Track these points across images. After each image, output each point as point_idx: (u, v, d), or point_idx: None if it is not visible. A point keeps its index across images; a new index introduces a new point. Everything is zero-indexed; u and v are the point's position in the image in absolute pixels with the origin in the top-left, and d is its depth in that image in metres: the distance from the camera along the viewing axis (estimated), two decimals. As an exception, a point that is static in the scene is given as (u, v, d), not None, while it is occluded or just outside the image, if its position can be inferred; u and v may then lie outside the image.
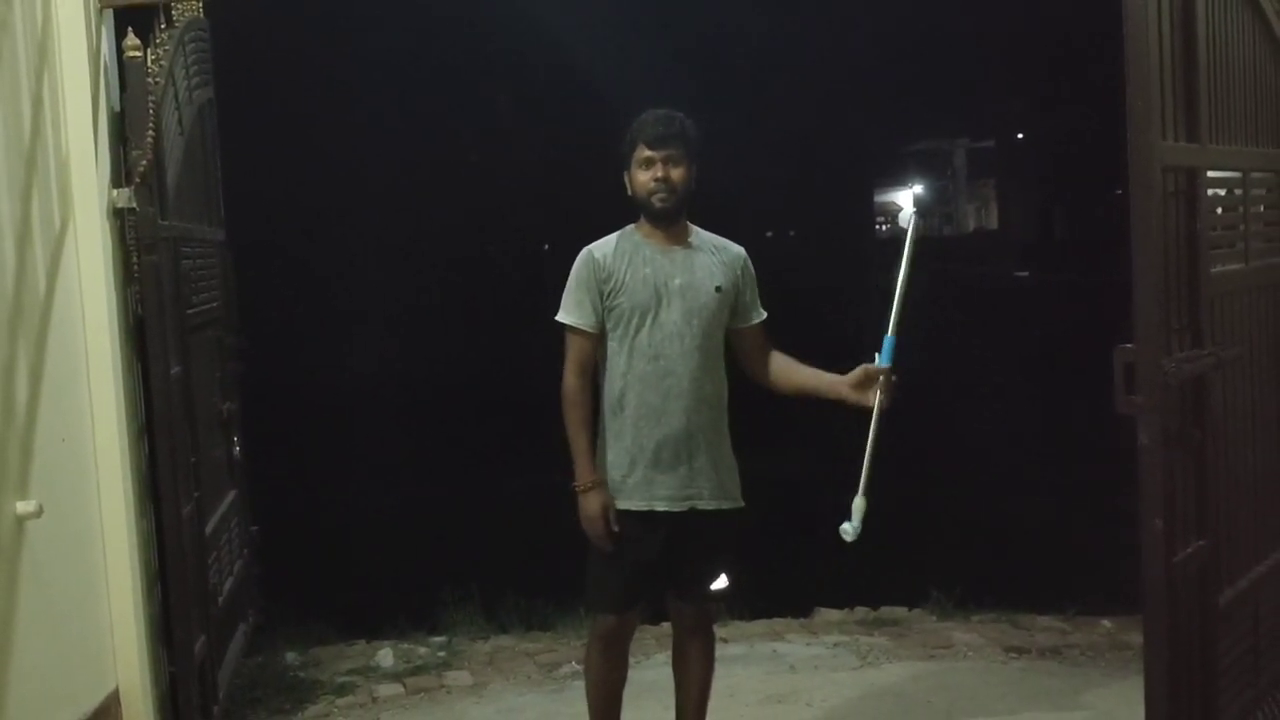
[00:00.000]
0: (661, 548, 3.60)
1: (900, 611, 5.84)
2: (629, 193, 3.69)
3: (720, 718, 4.50)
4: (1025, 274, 28.35)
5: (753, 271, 3.76)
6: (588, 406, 3.66)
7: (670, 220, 3.65)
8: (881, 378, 3.49)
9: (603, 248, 3.69)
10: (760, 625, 5.64)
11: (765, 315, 3.78)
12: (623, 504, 3.60)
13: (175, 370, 4.03)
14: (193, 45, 4.57)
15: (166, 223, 4.05)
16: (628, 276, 3.62)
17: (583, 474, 3.60)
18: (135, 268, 3.84)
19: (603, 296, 3.64)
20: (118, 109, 3.89)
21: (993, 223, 40.46)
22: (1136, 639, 5.15)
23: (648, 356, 3.60)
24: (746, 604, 5.89)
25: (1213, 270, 3.08)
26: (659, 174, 3.59)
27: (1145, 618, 2.95)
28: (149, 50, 3.92)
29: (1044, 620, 5.66)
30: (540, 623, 5.88)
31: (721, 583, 3.70)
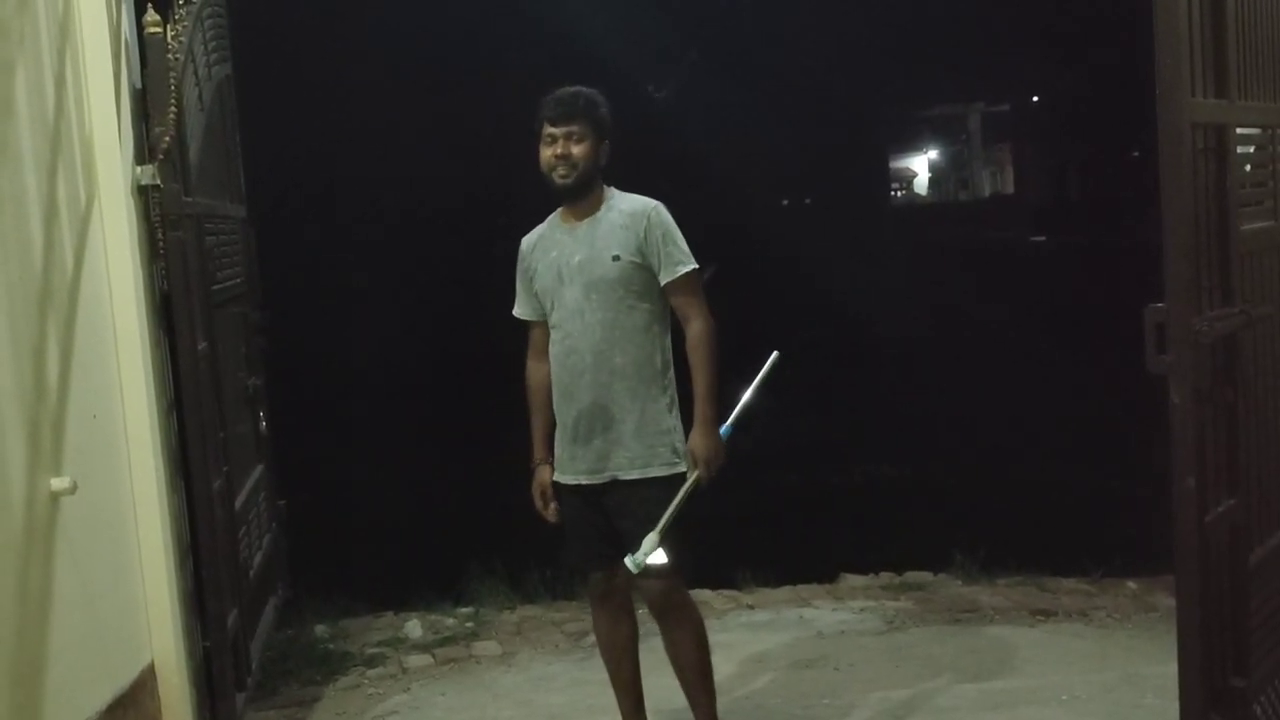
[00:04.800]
0: (598, 514, 3.70)
1: (925, 576, 5.85)
2: (541, 167, 3.71)
3: (749, 683, 4.55)
4: (1042, 238, 28.19)
5: (662, 225, 3.62)
6: (540, 389, 3.81)
7: (575, 196, 3.66)
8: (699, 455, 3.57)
9: (529, 237, 3.81)
10: (786, 592, 5.67)
11: (676, 275, 3.60)
12: (560, 478, 3.74)
13: (202, 346, 4.06)
14: (210, 21, 4.58)
15: (190, 199, 4.06)
16: (539, 263, 3.72)
17: (534, 452, 3.82)
18: (160, 244, 3.85)
19: (528, 279, 3.77)
20: (139, 86, 3.89)
21: (1008, 187, 40.22)
22: (1162, 600, 5.16)
23: (558, 337, 3.69)
24: (772, 571, 5.92)
25: (1242, 228, 3.06)
26: (559, 150, 3.61)
27: (1177, 577, 2.95)
28: (168, 26, 3.92)
29: (1069, 583, 5.67)
30: (566, 592, 5.91)
31: (658, 557, 3.56)
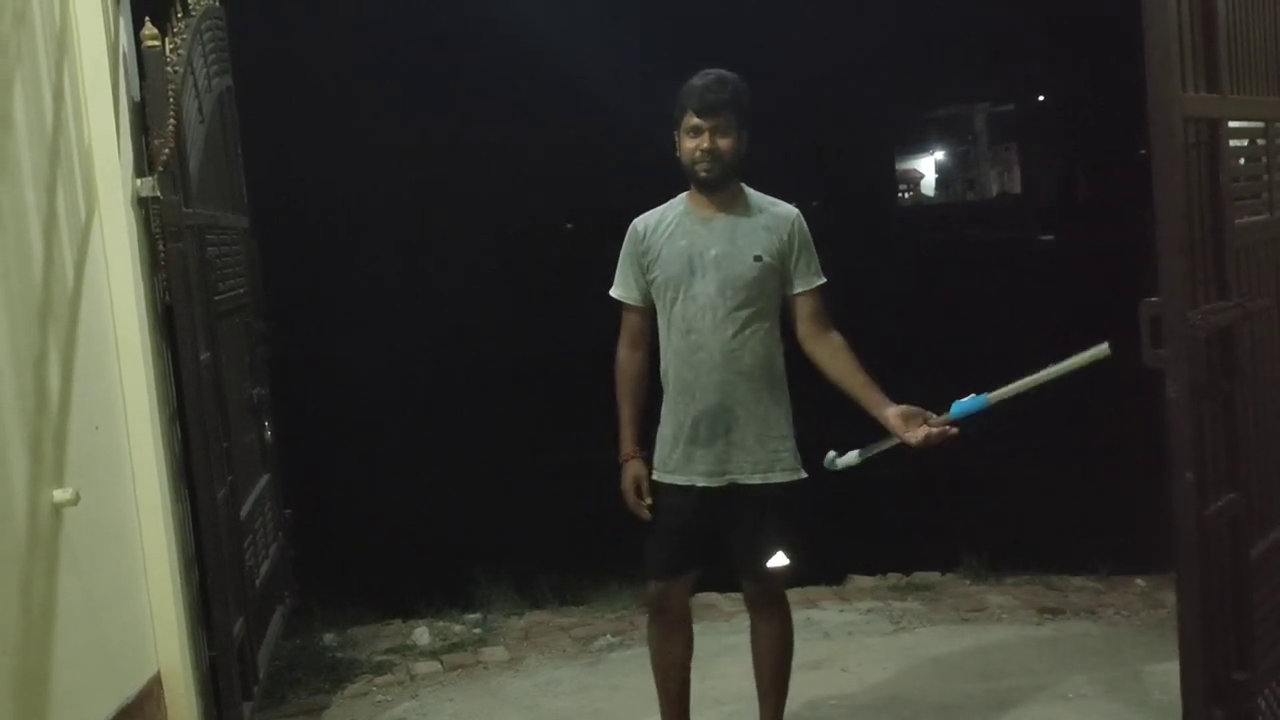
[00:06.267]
0: (704, 520, 3.58)
1: (933, 576, 5.84)
2: (677, 154, 3.59)
3: (753, 685, 4.54)
4: (1050, 237, 28.15)
5: (804, 234, 3.58)
6: (634, 379, 3.67)
7: (715, 188, 3.55)
8: (934, 426, 3.40)
9: (646, 219, 3.65)
10: (793, 593, 5.58)
11: (814, 285, 3.57)
12: (667, 478, 3.61)
13: (204, 356, 4.07)
14: (210, 34, 4.60)
15: (191, 210, 4.08)
16: (664, 249, 3.57)
17: (622, 445, 3.66)
18: (161, 256, 3.87)
19: (643, 270, 3.62)
20: (138, 99, 3.92)
21: (1016, 187, 40.18)
22: (1171, 597, 5.12)
23: (681, 331, 3.55)
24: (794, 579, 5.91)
25: (1237, 222, 3.06)
26: (705, 144, 3.47)
27: (1178, 571, 2.95)
28: (167, 39, 3.94)
29: (1077, 581, 5.66)
30: (574, 597, 5.92)
31: (780, 560, 3.57)
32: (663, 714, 3.83)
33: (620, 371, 3.69)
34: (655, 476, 3.64)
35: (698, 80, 3.51)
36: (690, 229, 3.56)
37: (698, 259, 3.52)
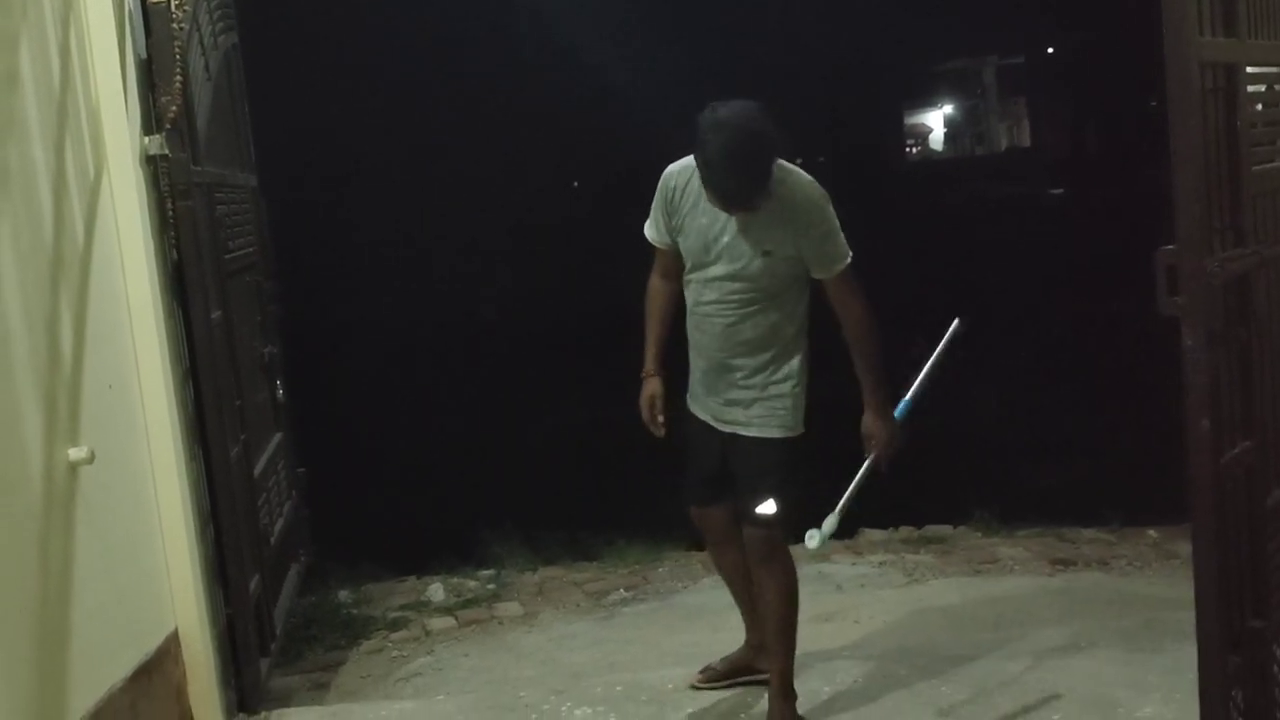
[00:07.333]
0: (716, 450, 3.72)
1: (945, 530, 5.87)
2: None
3: (769, 638, 4.57)
4: (1060, 191, 27.99)
5: (823, 224, 3.51)
6: (663, 302, 3.80)
7: None
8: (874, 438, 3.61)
9: (677, 177, 3.62)
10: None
11: (833, 273, 3.54)
12: (690, 404, 3.78)
13: (215, 315, 4.08)
14: (215, -10, 4.57)
15: (199, 168, 4.07)
16: (688, 220, 3.59)
17: (646, 363, 3.80)
18: (171, 214, 3.86)
19: (670, 226, 3.65)
20: (144, 56, 3.89)
21: (1025, 141, 39.89)
22: (1183, 548, 5.14)
23: (694, 297, 3.66)
24: (789, 527, 5.92)
25: (1254, 168, 3.03)
26: (734, 217, 3.47)
27: (1193, 520, 2.94)
28: (172, -4, 3.91)
29: (1089, 533, 5.68)
30: (586, 553, 5.95)
31: (768, 507, 3.64)
32: (739, 608, 4.02)
33: (650, 296, 3.83)
34: (689, 404, 3.79)
35: (719, 162, 3.35)
36: (709, 208, 3.53)
37: (713, 243, 3.55)
